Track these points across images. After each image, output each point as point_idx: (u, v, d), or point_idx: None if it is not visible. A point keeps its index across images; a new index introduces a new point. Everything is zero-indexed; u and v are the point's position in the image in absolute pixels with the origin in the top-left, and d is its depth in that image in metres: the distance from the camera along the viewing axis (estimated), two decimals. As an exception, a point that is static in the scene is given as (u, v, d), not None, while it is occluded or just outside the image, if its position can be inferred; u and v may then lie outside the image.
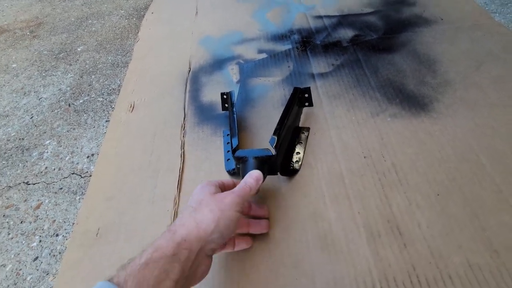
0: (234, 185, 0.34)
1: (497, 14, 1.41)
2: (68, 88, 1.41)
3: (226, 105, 0.49)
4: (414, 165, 0.39)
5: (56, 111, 1.30)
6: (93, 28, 1.84)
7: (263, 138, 0.45)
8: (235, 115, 0.44)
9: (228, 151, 0.44)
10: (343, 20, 0.63)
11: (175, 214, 0.39)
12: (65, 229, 0.92)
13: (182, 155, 0.46)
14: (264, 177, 0.35)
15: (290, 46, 0.60)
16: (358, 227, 0.35)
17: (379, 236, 0.34)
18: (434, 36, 0.55)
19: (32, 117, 1.29)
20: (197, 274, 0.28)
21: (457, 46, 0.53)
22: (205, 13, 0.75)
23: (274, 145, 0.37)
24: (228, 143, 0.45)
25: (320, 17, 0.66)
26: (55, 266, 0.84)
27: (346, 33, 0.60)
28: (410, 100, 0.46)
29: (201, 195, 0.30)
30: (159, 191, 0.42)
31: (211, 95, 0.54)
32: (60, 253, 0.86)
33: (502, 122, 0.41)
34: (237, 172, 0.39)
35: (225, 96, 0.49)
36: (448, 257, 0.31)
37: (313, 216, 0.36)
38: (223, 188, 0.33)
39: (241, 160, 0.37)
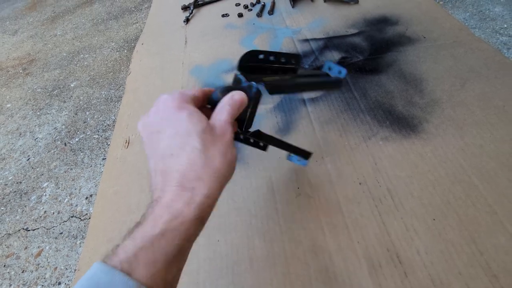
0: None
1: (477, 30, 1.44)
2: (63, 127, 1.41)
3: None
4: (409, 189, 0.40)
5: (52, 151, 1.29)
6: (85, 63, 1.85)
7: (259, 169, 0.46)
8: None
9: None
10: (329, 42, 0.65)
11: (176, 254, 0.39)
12: (67, 276, 0.90)
13: (180, 191, 0.46)
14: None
15: (279, 72, 0.61)
16: (358, 258, 0.35)
17: (380, 266, 0.34)
18: (418, 55, 0.57)
19: (29, 158, 1.28)
20: None
21: (440, 64, 0.54)
22: (194, 42, 0.77)
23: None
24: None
25: (306, 40, 0.67)
26: (59, 317, 0.82)
27: (333, 56, 0.61)
28: (400, 121, 0.47)
29: (196, 127, 0.24)
30: (159, 231, 0.42)
31: (205, 126, 0.55)
32: (63, 302, 0.85)
33: (489, 140, 0.42)
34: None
35: None
36: (449, 284, 0.32)
37: (313, 249, 0.37)
38: (197, 99, 0.28)
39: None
